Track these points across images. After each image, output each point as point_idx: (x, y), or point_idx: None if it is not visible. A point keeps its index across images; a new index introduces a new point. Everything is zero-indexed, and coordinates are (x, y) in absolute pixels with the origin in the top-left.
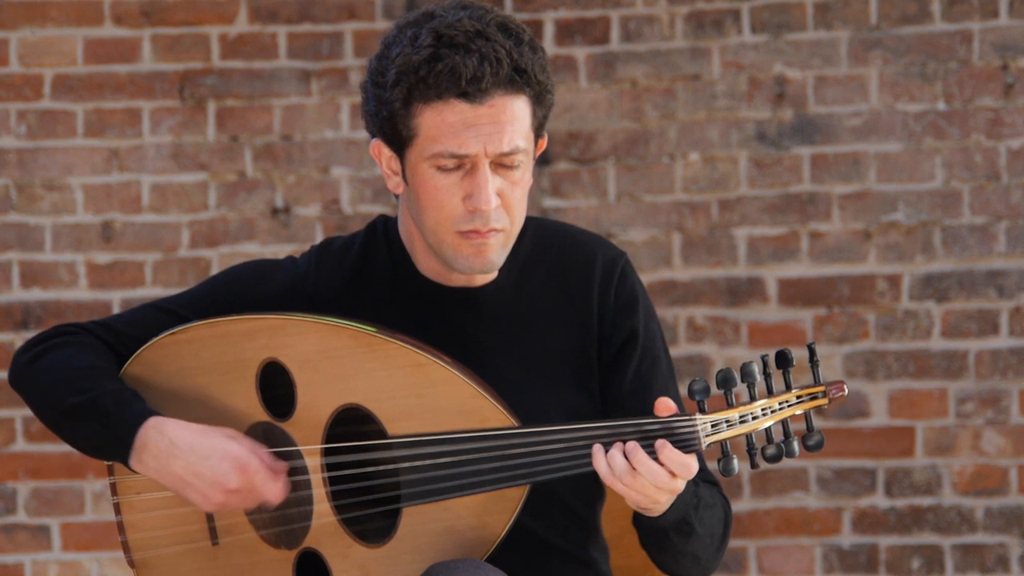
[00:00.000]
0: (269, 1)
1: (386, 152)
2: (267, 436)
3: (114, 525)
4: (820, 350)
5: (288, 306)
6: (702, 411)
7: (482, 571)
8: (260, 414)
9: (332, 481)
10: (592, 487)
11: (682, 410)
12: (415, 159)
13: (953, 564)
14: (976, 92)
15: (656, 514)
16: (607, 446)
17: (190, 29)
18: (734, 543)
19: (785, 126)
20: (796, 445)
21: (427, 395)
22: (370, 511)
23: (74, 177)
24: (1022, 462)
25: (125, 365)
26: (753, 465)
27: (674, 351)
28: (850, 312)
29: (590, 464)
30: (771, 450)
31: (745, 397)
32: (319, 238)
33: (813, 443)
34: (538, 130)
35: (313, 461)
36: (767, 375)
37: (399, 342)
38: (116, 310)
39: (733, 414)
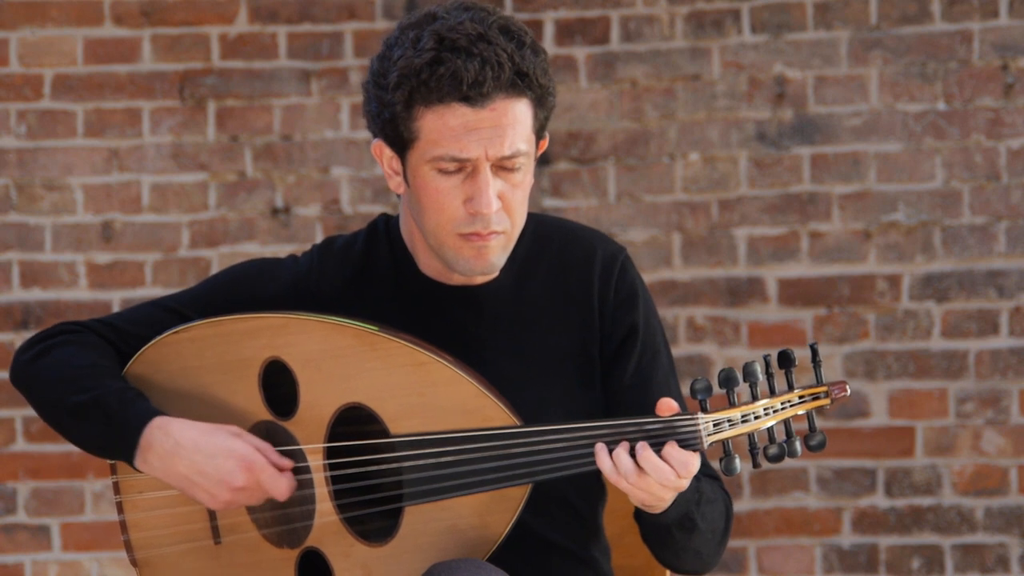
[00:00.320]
0: (269, 1)
1: (387, 153)
2: (269, 435)
3: (114, 525)
4: (820, 350)
5: (290, 305)
6: (704, 410)
7: (483, 571)
8: (262, 413)
9: (334, 480)
10: (595, 487)
11: (683, 406)
12: (416, 161)
13: (953, 564)
14: (976, 92)
15: (659, 511)
16: (610, 445)
17: (190, 29)
18: (734, 543)
19: (785, 126)
20: (798, 445)
21: (429, 394)
22: (372, 510)
23: (74, 177)
24: (1022, 462)
25: (128, 364)
26: (755, 465)
27: (674, 351)
28: (850, 312)
29: (592, 464)
30: (773, 450)
31: (747, 397)
32: (319, 238)
33: (815, 443)
34: (539, 132)
35: (315, 460)
36: (769, 375)
37: (401, 341)
38: (116, 310)
39: (735, 413)
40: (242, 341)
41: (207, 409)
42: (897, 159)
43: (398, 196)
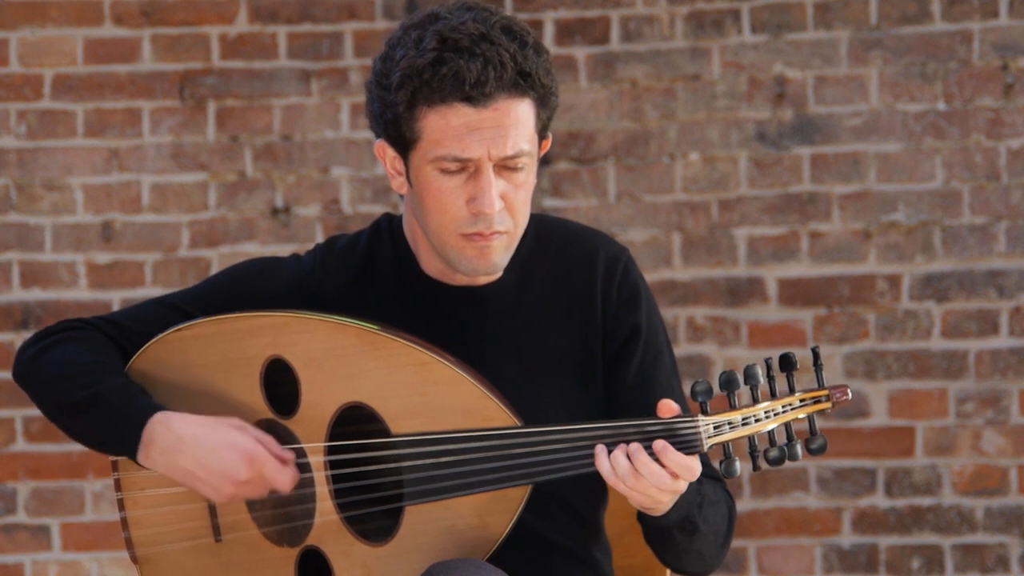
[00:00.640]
0: (269, 1)
1: (390, 152)
2: (271, 433)
3: (114, 525)
4: (820, 350)
5: (293, 304)
6: (705, 412)
7: (483, 571)
8: (264, 411)
9: (335, 479)
10: (595, 487)
11: (685, 407)
12: (419, 161)
13: (953, 564)
14: (976, 92)
15: (659, 513)
16: (610, 447)
17: (190, 29)
18: (734, 543)
19: (785, 126)
20: (799, 448)
21: (431, 394)
22: (372, 510)
23: (74, 177)
24: (1022, 462)
25: (130, 361)
26: (755, 467)
27: (674, 351)
28: (850, 312)
29: (592, 465)
30: (773, 453)
31: (748, 399)
32: (319, 238)
33: (816, 447)
34: (542, 132)
35: (316, 459)
36: (771, 377)
37: (403, 341)
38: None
39: (736, 416)
40: (244, 339)
41: (209, 406)
42: (897, 159)
43: (401, 196)
